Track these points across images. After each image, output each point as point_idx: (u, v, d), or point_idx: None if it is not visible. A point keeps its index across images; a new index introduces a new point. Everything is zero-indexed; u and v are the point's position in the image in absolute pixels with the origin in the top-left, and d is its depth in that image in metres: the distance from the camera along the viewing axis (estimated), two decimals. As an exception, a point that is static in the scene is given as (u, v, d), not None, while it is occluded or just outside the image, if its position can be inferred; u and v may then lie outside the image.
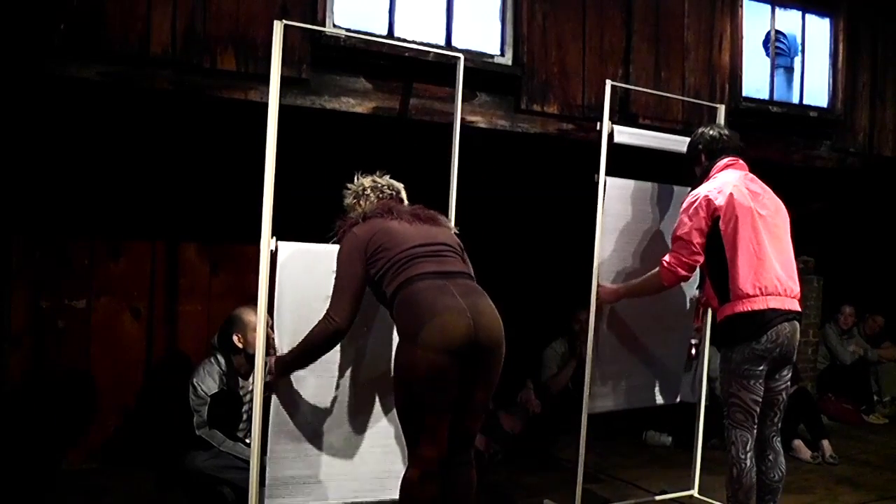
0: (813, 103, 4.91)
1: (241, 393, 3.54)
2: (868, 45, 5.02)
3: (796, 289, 2.95)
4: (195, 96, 3.25)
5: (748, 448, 2.88)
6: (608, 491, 3.88)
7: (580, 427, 3.46)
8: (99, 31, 3.02)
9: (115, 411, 4.06)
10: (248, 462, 3.25)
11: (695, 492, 3.81)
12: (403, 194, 2.82)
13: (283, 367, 2.65)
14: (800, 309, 2.96)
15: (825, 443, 4.65)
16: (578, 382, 5.09)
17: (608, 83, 3.49)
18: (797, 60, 4.91)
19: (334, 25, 3.49)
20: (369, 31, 3.57)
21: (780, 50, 4.84)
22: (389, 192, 2.77)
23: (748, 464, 2.87)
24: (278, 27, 2.87)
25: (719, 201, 2.92)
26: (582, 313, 4.92)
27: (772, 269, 2.88)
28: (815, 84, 4.94)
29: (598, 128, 3.49)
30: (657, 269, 3.10)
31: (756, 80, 4.73)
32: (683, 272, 3.00)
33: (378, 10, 3.64)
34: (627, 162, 3.71)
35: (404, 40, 3.61)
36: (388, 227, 2.55)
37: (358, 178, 2.79)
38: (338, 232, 2.66)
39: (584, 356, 4.99)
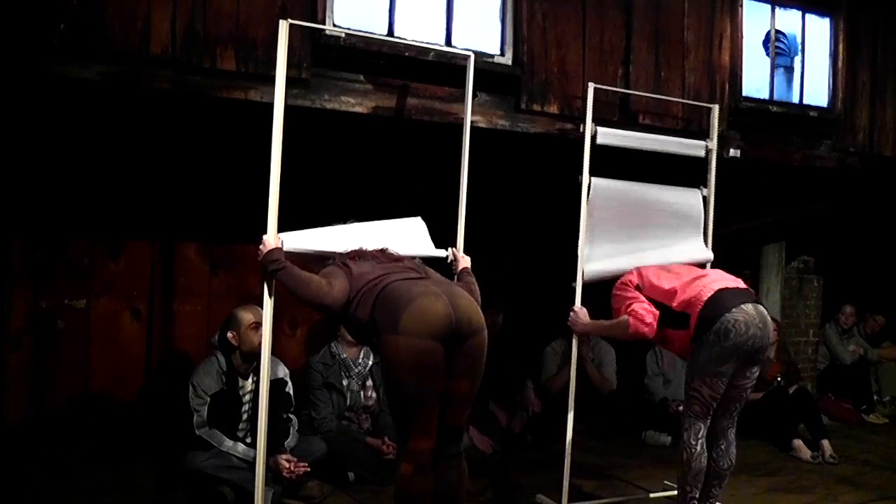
0: (813, 103, 4.91)
1: (241, 393, 3.54)
2: (868, 45, 5.02)
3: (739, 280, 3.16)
4: (195, 96, 3.25)
5: (700, 436, 3.05)
6: (607, 490, 3.88)
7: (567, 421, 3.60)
8: (99, 31, 3.02)
9: (115, 411, 4.05)
10: (248, 462, 3.26)
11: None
12: None
13: (273, 266, 2.68)
14: (753, 291, 3.19)
15: (825, 443, 4.65)
16: (579, 382, 5.11)
17: (591, 86, 3.61)
18: (797, 60, 4.91)
19: (334, 25, 3.49)
20: (369, 30, 3.57)
21: (780, 50, 4.84)
22: None
23: (698, 449, 3.05)
24: (284, 26, 2.88)
25: (630, 278, 3.32)
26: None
27: (698, 272, 3.23)
28: (815, 84, 4.93)
29: (580, 129, 3.60)
30: (625, 317, 3.22)
31: (756, 79, 4.73)
32: (641, 313, 3.16)
33: (378, 9, 3.64)
34: (629, 162, 3.71)
35: (404, 40, 3.61)
36: (357, 270, 2.63)
37: None
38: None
39: (583, 356, 5.03)
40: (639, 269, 3.35)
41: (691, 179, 3.83)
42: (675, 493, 3.80)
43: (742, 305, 2.93)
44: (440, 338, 2.35)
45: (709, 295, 2.99)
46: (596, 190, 3.57)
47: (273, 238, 2.81)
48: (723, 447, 3.16)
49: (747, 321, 2.90)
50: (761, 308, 3.00)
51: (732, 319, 2.90)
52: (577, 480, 3.76)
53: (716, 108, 3.93)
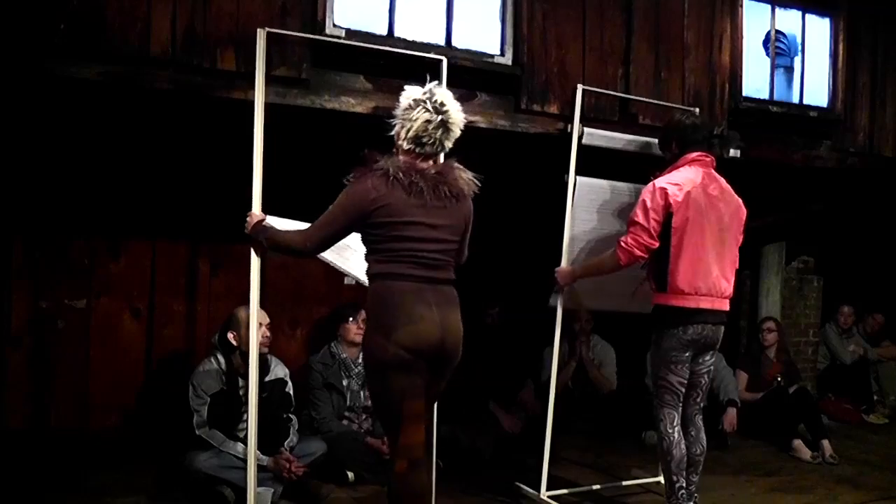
0: (813, 103, 4.90)
1: (241, 392, 3.54)
2: (868, 45, 5.01)
3: (729, 290, 3.23)
4: (195, 96, 3.25)
5: (675, 423, 3.22)
6: (606, 489, 3.88)
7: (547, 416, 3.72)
8: (99, 31, 3.02)
9: (115, 411, 4.06)
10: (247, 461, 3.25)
11: (661, 478, 3.81)
12: (452, 127, 2.67)
13: (257, 233, 2.83)
14: (727, 308, 3.25)
15: (825, 443, 4.65)
16: (579, 382, 5.10)
17: (579, 87, 3.72)
18: (797, 60, 4.91)
19: (334, 25, 3.49)
20: (369, 31, 3.57)
21: (780, 50, 4.83)
22: (435, 132, 2.63)
23: (676, 437, 3.20)
24: (261, 35, 2.91)
25: (677, 198, 3.11)
26: (582, 313, 4.93)
27: (710, 271, 3.14)
28: (815, 84, 4.93)
29: (567, 129, 3.71)
30: (613, 249, 3.26)
31: (756, 80, 4.72)
32: (639, 253, 3.17)
33: (378, 10, 3.64)
34: (628, 163, 3.71)
35: (404, 40, 3.61)
36: (403, 208, 2.49)
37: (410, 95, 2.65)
38: (363, 163, 2.62)
39: (583, 356, 5.03)
40: (689, 195, 3.13)
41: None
42: (649, 480, 3.84)
43: (705, 325, 3.16)
44: (424, 357, 2.46)
45: (690, 305, 3.13)
46: (581, 189, 3.64)
47: (257, 211, 2.90)
48: (693, 434, 3.29)
49: (704, 326, 3.17)
50: (721, 329, 3.24)
51: (692, 327, 3.16)
52: (576, 480, 3.76)
53: (696, 111, 4.01)
